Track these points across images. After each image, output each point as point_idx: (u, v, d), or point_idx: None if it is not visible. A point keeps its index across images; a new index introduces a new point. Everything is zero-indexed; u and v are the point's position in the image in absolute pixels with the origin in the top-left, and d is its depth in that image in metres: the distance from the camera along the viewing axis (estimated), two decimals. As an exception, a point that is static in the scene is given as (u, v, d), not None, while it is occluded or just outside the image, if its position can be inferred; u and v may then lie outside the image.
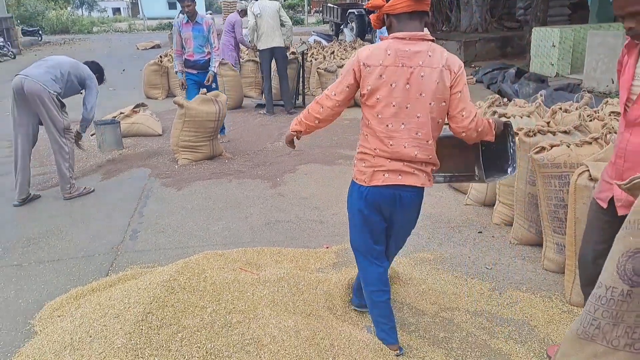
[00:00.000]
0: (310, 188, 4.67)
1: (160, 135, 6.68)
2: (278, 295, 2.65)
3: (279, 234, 3.74)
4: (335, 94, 2.10)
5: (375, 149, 2.07)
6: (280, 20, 7.41)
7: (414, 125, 2.02)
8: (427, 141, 2.05)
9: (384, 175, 2.07)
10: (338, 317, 2.60)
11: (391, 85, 1.99)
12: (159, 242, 3.64)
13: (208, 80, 5.88)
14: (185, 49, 5.83)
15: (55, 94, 4.26)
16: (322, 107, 2.13)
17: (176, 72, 6.03)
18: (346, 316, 2.62)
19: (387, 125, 2.03)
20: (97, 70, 4.74)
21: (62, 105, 4.39)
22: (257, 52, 7.86)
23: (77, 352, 2.17)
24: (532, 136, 3.27)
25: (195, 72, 5.90)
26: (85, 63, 4.68)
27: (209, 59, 5.93)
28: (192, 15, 5.66)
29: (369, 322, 2.56)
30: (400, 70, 1.98)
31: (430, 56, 1.98)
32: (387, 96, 2.00)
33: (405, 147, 2.03)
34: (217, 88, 6.03)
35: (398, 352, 2.32)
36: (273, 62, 7.61)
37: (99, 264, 3.33)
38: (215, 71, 5.89)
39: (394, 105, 2.00)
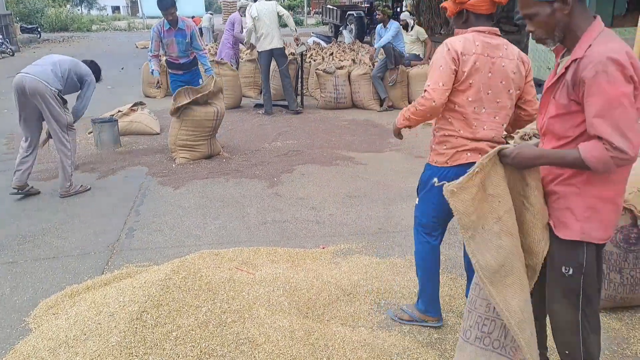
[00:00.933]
0: (307, 188, 4.67)
1: (158, 134, 6.68)
2: (273, 295, 2.65)
3: (275, 233, 3.75)
4: (443, 84, 2.15)
5: (459, 130, 2.24)
6: (279, 16, 7.40)
7: (493, 110, 2.22)
8: (502, 124, 2.27)
9: (467, 154, 2.24)
10: (333, 318, 2.60)
11: (481, 72, 2.18)
12: (155, 240, 3.65)
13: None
14: (167, 53, 5.77)
15: (57, 91, 4.27)
16: (435, 101, 2.15)
17: (151, 72, 5.88)
18: (341, 317, 2.63)
19: (474, 108, 2.21)
20: (95, 70, 4.77)
21: (64, 102, 4.41)
22: (257, 52, 7.86)
23: (72, 349, 2.17)
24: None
25: (181, 72, 5.86)
26: (84, 62, 4.70)
27: (194, 58, 5.86)
28: (174, 22, 5.58)
29: (365, 322, 2.57)
30: (485, 60, 2.17)
31: (506, 49, 2.21)
32: (478, 82, 2.18)
33: (484, 129, 2.23)
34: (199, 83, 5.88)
35: (438, 322, 2.54)
36: (273, 63, 7.62)
37: (94, 262, 3.33)
38: (214, 74, 5.80)
39: (481, 90, 2.19)
